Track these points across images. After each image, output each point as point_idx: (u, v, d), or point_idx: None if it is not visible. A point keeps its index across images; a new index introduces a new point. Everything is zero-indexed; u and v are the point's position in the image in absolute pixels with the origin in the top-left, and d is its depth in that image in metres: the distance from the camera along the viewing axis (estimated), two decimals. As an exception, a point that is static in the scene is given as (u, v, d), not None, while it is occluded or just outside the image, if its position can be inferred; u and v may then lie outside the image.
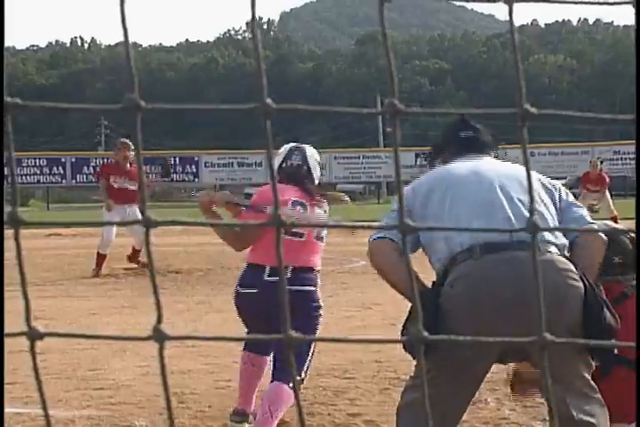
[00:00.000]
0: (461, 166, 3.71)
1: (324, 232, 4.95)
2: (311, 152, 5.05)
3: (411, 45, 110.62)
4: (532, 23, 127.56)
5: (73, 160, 45.34)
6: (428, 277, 3.56)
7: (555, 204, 3.58)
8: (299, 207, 4.80)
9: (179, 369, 6.43)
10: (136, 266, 13.00)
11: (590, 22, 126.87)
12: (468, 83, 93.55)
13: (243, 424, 5.02)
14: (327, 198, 4.94)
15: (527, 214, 3.30)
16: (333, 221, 4.43)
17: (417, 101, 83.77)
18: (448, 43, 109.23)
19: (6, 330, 0.96)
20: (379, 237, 3.58)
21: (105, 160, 46.09)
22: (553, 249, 3.36)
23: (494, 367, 5.93)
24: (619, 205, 31.03)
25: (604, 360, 3.47)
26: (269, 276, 4.64)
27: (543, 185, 3.64)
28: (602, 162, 30.59)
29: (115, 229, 12.77)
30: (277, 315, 3.65)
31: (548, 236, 3.37)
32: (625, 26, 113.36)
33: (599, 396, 3.37)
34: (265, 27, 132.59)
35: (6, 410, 4.91)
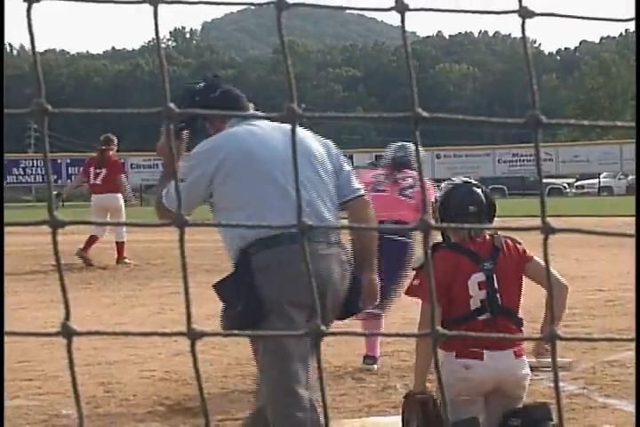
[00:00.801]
0: (260, 139, 3.59)
1: (409, 190, 6.14)
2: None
3: (325, 54, 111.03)
4: (437, 34, 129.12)
5: (5, 162, 44.70)
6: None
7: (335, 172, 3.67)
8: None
9: (105, 360, 6.37)
10: (82, 261, 12.73)
11: (490, 34, 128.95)
12: (379, 89, 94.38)
13: (373, 366, 6.04)
14: None
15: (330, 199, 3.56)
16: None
17: (331, 106, 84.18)
18: (360, 52, 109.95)
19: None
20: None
21: (34, 161, 45.64)
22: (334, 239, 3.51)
23: (405, 356, 5.95)
24: (517, 203, 31.64)
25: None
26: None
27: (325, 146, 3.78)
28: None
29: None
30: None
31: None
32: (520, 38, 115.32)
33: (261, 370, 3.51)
34: (188, 36, 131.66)
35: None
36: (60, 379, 5.83)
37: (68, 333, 0.89)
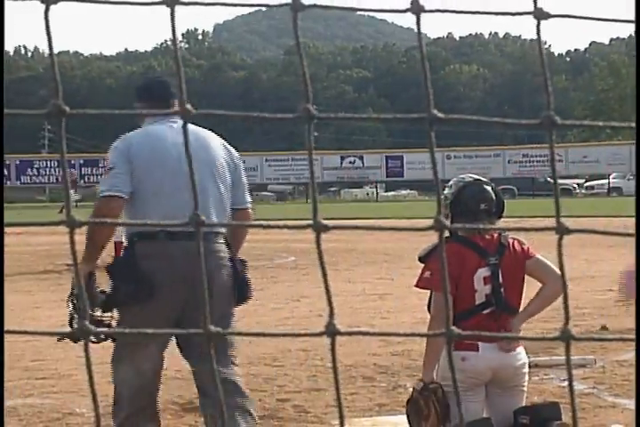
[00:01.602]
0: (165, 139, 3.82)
1: None
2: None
3: (335, 56, 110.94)
4: (447, 36, 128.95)
5: (17, 162, 44.86)
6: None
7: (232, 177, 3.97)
8: None
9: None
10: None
11: (500, 36, 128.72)
12: (389, 90, 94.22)
13: None
14: None
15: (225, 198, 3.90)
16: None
17: (341, 107, 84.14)
18: (370, 53, 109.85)
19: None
20: (110, 195, 3.75)
21: (48, 162, 45.78)
22: (220, 239, 3.84)
23: (416, 355, 5.92)
24: (527, 204, 31.54)
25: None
26: None
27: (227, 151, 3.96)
28: None
29: None
30: None
31: (217, 228, 3.85)
32: (531, 39, 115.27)
33: None
34: (199, 37, 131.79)
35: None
36: (74, 377, 5.83)
37: (84, 332, 0.89)
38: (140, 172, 3.76)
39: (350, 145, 70.00)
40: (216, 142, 3.93)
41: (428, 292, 3.77)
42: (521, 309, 3.82)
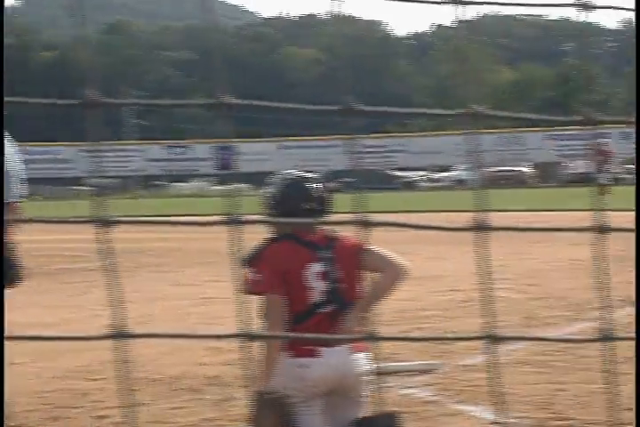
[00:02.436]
0: None
1: None
2: None
3: (159, 35, 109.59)
4: (281, 16, 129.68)
5: None
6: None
7: None
8: None
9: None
10: None
11: (338, 16, 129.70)
12: (218, 73, 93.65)
13: None
14: None
15: None
16: None
17: (166, 92, 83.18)
18: (196, 33, 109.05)
19: None
20: None
21: None
22: None
23: (250, 364, 5.85)
24: (369, 198, 32.15)
25: None
26: None
27: None
28: None
29: None
30: None
31: None
32: (372, 21, 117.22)
33: None
34: (6, 14, 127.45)
35: None
36: None
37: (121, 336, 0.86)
38: None
39: (176, 134, 69.20)
40: None
41: (259, 296, 3.70)
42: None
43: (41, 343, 5.94)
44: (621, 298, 8.91)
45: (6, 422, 4.15)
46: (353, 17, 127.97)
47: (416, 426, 4.98)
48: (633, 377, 5.54)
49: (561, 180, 48.13)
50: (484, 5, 0.95)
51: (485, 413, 5.16)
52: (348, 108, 1.00)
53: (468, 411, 5.35)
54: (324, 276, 3.76)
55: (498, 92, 71.75)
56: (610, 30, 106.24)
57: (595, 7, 1.13)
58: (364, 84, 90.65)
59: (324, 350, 3.67)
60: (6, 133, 4.26)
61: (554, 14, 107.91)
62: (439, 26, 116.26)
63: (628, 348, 6.71)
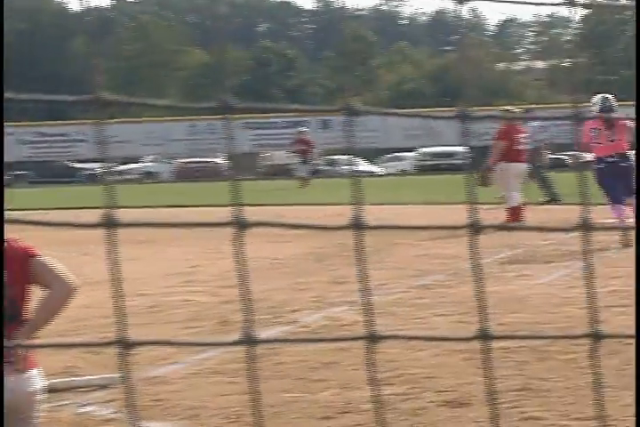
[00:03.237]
0: None
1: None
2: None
3: None
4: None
5: None
6: None
7: None
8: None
9: None
10: None
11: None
12: None
13: None
14: None
15: None
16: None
17: None
18: None
19: None
20: None
21: None
22: None
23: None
24: (45, 193, 31.25)
25: None
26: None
27: None
28: None
29: None
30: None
31: None
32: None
33: None
34: None
35: None
36: None
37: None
38: None
39: None
40: None
41: None
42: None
43: None
44: (317, 299, 9.22)
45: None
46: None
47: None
48: (330, 384, 5.73)
49: (258, 172, 49.16)
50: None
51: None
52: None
53: (156, 429, 5.33)
54: None
55: (192, 75, 72.20)
56: (307, 10, 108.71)
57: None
58: (38, 65, 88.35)
59: None
60: None
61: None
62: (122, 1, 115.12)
63: (327, 352, 6.93)
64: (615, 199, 13.16)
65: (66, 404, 5.58)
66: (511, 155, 16.12)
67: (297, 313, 8.60)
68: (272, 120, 46.10)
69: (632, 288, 9.15)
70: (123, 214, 1.27)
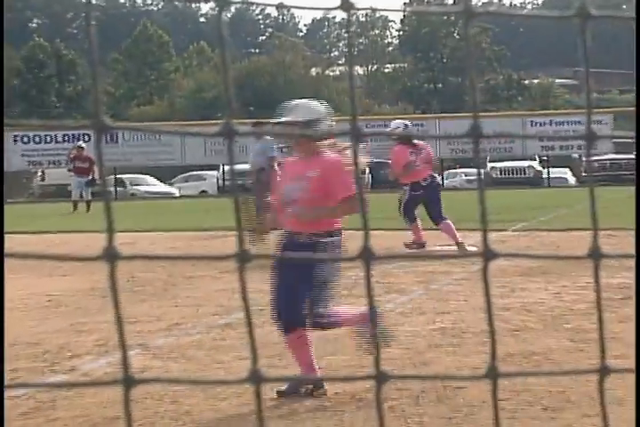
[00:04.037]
0: None
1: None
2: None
3: None
4: None
5: None
6: None
7: None
8: None
9: None
10: None
11: None
12: None
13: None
14: None
15: None
16: None
17: None
18: None
19: None
20: None
21: None
22: None
23: None
24: None
25: None
26: None
27: None
28: None
29: None
30: None
31: None
32: None
33: None
34: None
35: None
36: None
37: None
38: None
39: None
40: None
41: None
42: None
43: None
44: (101, 342, 9.11)
45: None
46: None
47: None
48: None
49: (31, 193, 48.26)
50: None
51: None
52: None
53: None
54: None
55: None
56: (90, 4, 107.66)
57: None
58: None
59: None
60: None
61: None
62: None
63: (114, 405, 6.87)
64: (436, 219, 15.91)
65: None
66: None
67: (76, 359, 8.48)
68: (47, 133, 45.38)
69: (463, 325, 9.40)
70: None
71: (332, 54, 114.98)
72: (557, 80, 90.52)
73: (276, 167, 17.65)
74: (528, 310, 10.29)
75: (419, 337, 8.94)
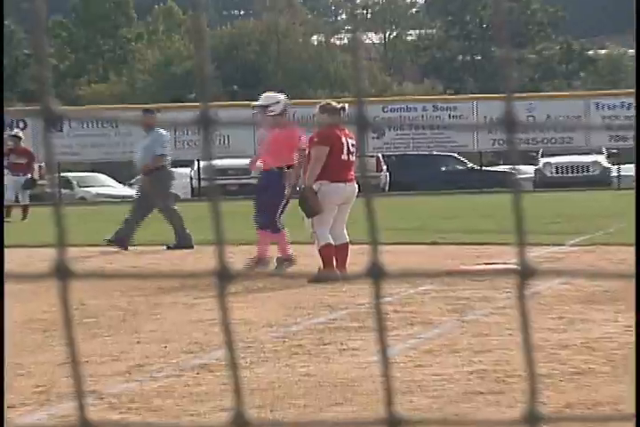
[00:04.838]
0: None
1: None
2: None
3: None
4: None
5: None
6: None
7: None
8: None
9: None
10: None
11: None
12: None
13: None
14: None
15: None
16: None
17: None
18: None
19: None
20: None
21: None
22: None
23: None
24: None
25: None
26: None
27: None
28: None
29: None
30: None
31: None
32: None
33: None
34: None
35: None
36: None
37: None
38: None
39: None
40: None
41: None
42: None
43: None
44: (42, 390, 9.12)
45: None
46: None
47: None
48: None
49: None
50: None
51: None
52: None
53: None
54: None
55: None
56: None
57: None
58: None
59: None
60: None
61: None
62: None
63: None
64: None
65: None
66: (332, 171, 16.42)
67: (11, 411, 8.50)
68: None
69: (507, 367, 9.40)
70: None
71: (338, 18, 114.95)
72: (630, 51, 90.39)
73: (167, 166, 18.90)
74: (592, 347, 10.28)
75: (451, 382, 8.93)
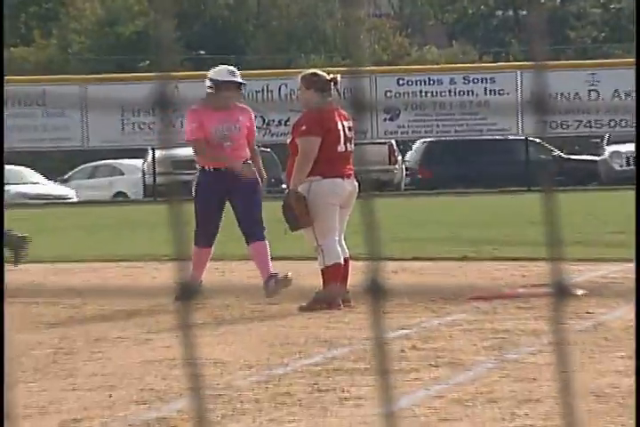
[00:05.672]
0: None
1: None
2: None
3: None
4: None
5: None
6: None
7: None
8: None
9: None
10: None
11: None
12: None
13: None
14: None
15: None
16: None
17: None
18: None
19: None
20: None
21: None
22: None
23: None
24: None
25: None
26: None
27: None
28: None
29: None
30: None
31: None
32: None
33: None
34: None
35: None
36: None
37: None
38: None
39: None
40: None
41: None
42: None
43: None
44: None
45: None
46: None
47: None
48: None
49: None
50: None
51: None
52: None
53: None
54: None
55: None
56: None
57: None
58: None
59: None
60: None
61: None
62: None
63: None
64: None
65: None
66: (326, 165, 16.26)
67: None
68: None
69: (555, 423, 9.40)
70: None
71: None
72: None
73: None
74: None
75: (487, 442, 8.97)
